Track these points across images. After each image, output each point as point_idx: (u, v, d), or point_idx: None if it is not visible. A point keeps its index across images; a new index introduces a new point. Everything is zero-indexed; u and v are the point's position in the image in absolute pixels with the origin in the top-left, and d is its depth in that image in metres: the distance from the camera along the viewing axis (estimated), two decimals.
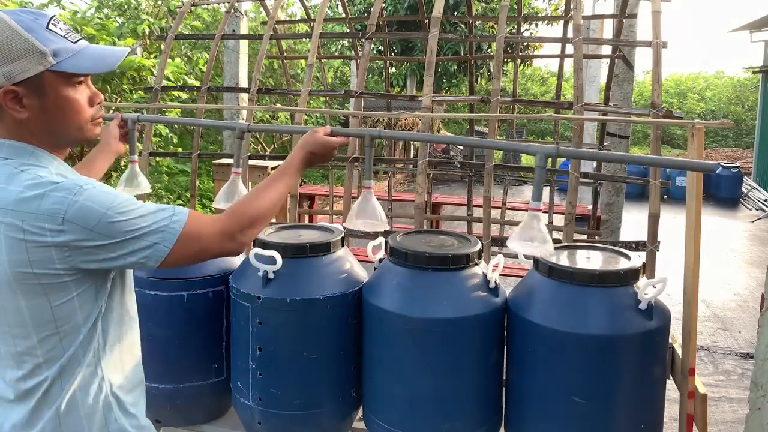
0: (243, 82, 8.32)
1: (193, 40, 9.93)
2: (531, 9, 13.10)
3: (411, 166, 5.51)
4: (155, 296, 1.78)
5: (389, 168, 6.01)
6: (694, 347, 1.61)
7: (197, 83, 6.09)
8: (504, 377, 1.68)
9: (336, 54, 12.67)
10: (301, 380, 1.67)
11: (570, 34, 3.48)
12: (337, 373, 1.71)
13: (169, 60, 4.52)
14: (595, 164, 4.15)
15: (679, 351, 1.66)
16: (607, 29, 9.97)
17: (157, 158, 6.68)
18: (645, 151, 17.14)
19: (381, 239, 1.90)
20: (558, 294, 1.51)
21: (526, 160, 12.54)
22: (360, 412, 1.79)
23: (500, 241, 2.41)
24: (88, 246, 1.02)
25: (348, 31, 4.46)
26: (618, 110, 2.75)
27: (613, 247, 1.71)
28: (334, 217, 4.69)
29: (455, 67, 13.16)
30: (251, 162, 2.82)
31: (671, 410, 1.69)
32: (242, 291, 1.68)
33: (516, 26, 4.83)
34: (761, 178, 12.29)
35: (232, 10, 3.12)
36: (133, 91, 5.34)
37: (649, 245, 2.03)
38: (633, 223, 6.33)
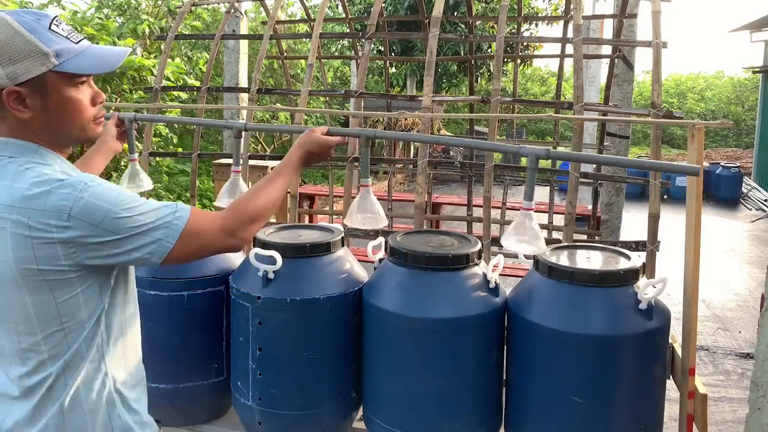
0: (243, 82, 8.32)
1: (193, 40, 9.93)
2: (531, 9, 13.11)
3: (411, 166, 5.51)
4: (155, 296, 1.78)
5: (389, 168, 6.01)
6: (694, 347, 1.61)
7: (197, 83, 6.09)
8: (504, 377, 1.68)
9: (336, 54, 12.68)
10: (301, 380, 1.67)
11: (570, 34, 3.48)
12: (337, 373, 1.71)
13: (169, 60, 4.52)
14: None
15: (679, 351, 1.66)
16: (607, 29, 9.99)
17: (157, 158, 6.68)
18: (645, 151, 17.15)
19: (381, 239, 1.90)
20: (558, 294, 1.51)
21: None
22: (360, 412, 1.79)
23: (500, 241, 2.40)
24: (93, 242, 1.03)
25: (348, 31, 4.46)
26: (618, 110, 2.75)
27: (613, 247, 1.71)
28: (334, 217, 4.68)
29: (455, 67, 13.17)
30: (251, 162, 2.82)
31: (671, 410, 1.69)
32: (242, 291, 1.68)
33: (516, 26, 4.83)
34: (761, 178, 12.30)
35: (232, 10, 3.12)
36: (133, 91, 5.34)
37: (649, 245, 2.03)
38: (633, 223, 6.33)
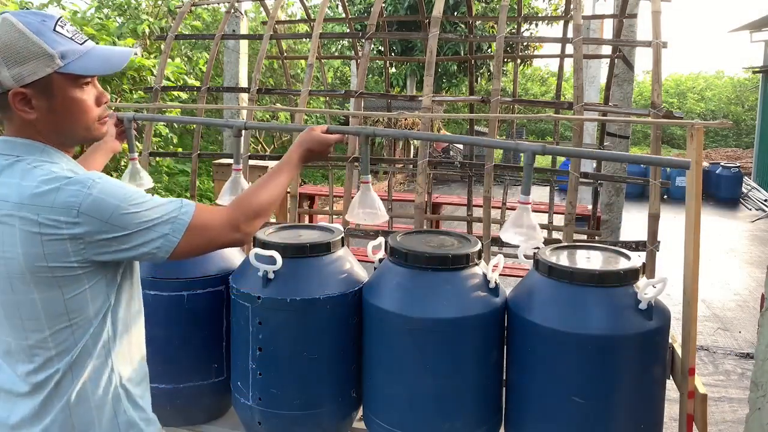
0: (243, 82, 8.33)
1: (193, 40, 9.93)
2: (531, 9, 13.10)
3: (411, 166, 5.51)
4: (155, 296, 1.78)
5: (389, 168, 6.01)
6: (694, 347, 1.61)
7: (197, 83, 6.08)
8: (504, 377, 1.68)
9: (336, 54, 12.67)
10: (301, 380, 1.67)
11: (570, 34, 3.48)
12: (337, 373, 1.71)
13: (169, 60, 4.51)
14: (595, 164, 4.15)
15: (679, 351, 1.66)
16: (607, 29, 9.98)
17: (157, 158, 6.68)
18: (645, 151, 17.14)
19: (381, 239, 1.90)
20: (558, 294, 1.51)
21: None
22: (360, 412, 1.79)
23: (500, 241, 2.40)
24: (102, 238, 1.05)
25: (348, 31, 4.46)
26: (618, 110, 2.75)
27: (613, 247, 1.71)
28: (334, 217, 4.68)
29: (455, 67, 13.16)
30: (251, 162, 2.82)
31: (671, 410, 1.69)
32: (242, 291, 1.68)
33: (516, 26, 4.83)
34: (761, 178, 12.29)
35: (232, 10, 3.12)
36: (133, 91, 5.34)
37: (649, 245, 2.03)
38: (633, 223, 6.33)
